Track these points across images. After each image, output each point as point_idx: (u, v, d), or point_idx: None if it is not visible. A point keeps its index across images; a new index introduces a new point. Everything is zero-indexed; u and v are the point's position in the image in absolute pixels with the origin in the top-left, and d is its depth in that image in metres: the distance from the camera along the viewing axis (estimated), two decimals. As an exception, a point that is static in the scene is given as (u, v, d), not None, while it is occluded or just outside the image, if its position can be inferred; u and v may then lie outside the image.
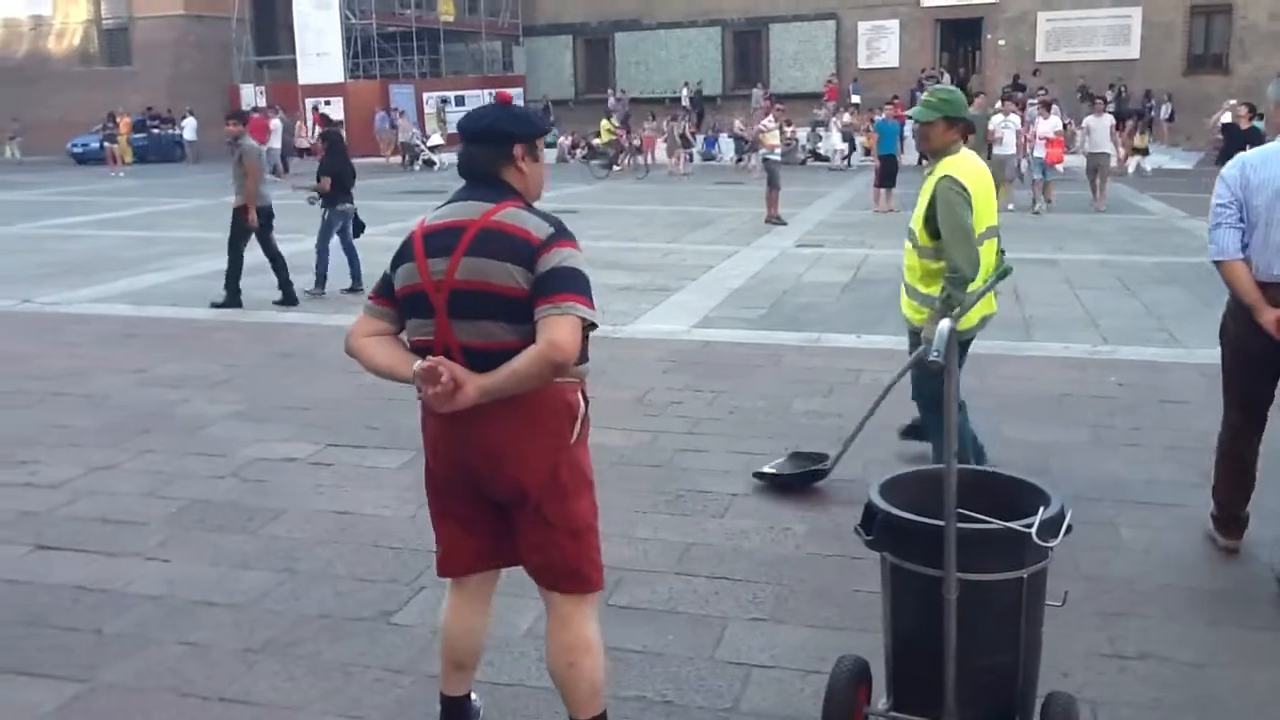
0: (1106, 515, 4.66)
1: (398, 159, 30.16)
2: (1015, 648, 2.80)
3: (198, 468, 5.38)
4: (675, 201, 19.31)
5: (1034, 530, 2.71)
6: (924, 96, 4.89)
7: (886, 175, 17.51)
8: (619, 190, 21.64)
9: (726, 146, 30.71)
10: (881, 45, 37.43)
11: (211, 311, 9.53)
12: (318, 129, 13.08)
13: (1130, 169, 21.84)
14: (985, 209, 4.73)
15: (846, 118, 28.39)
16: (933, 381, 4.66)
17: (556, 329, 2.54)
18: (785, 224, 15.73)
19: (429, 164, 28.93)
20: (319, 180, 10.83)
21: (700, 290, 10.52)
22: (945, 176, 4.60)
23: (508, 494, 2.73)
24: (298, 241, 12.27)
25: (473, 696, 3.11)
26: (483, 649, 3.06)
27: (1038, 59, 35.01)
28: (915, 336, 4.99)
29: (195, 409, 6.45)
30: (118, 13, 39.14)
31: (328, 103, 34.11)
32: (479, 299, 2.60)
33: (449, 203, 2.75)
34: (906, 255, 4.91)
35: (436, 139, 31.51)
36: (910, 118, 5.36)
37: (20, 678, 3.42)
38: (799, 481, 5.04)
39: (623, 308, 9.23)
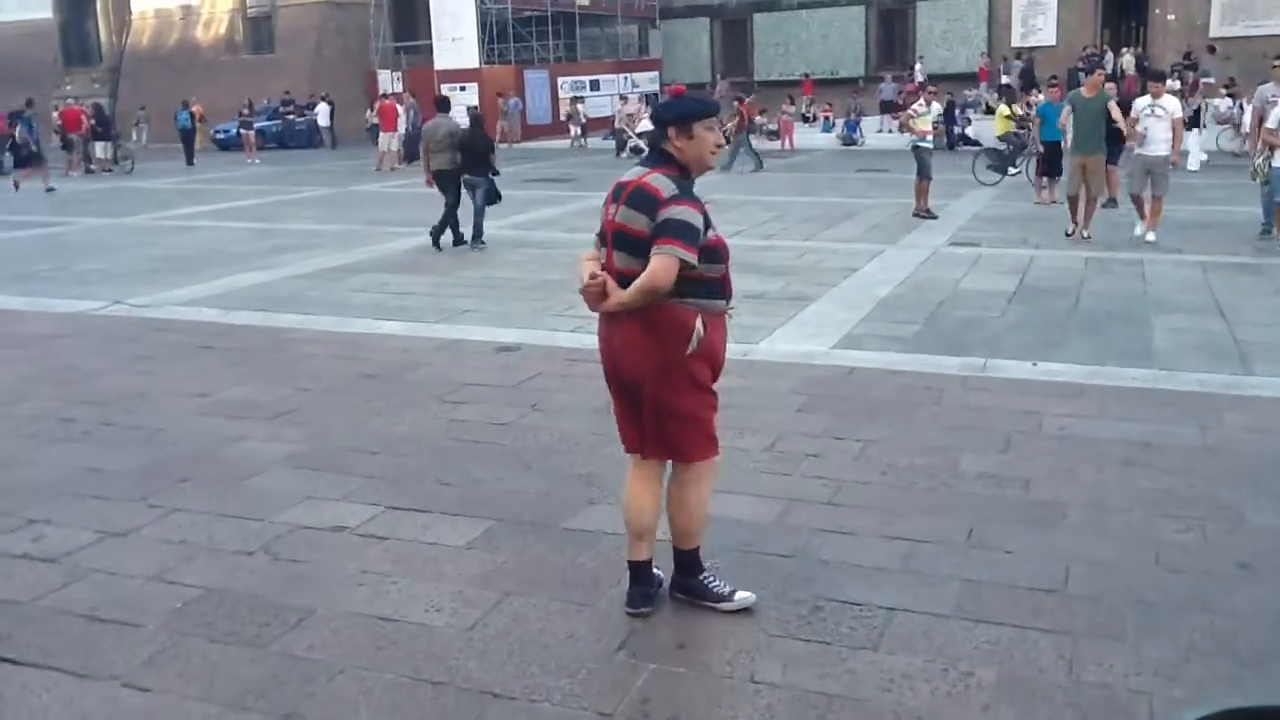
0: None
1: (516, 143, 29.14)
2: None
3: (227, 537, 4.43)
4: (812, 191, 17.96)
5: None
6: None
7: (1050, 163, 15.77)
8: (749, 180, 20.36)
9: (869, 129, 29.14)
10: (1038, 22, 35.14)
11: (297, 320, 8.70)
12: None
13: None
14: None
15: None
16: None
17: (658, 263, 3.37)
18: (936, 218, 14.24)
19: (636, 150, 26.37)
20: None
21: (842, 299, 9.25)
22: None
23: (631, 380, 3.59)
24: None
25: (655, 569, 3.80)
26: (655, 522, 3.72)
27: (1212, 34, 32.20)
28: None
29: (248, 449, 5.55)
30: (261, 1, 39.54)
31: (463, 88, 33.77)
32: (626, 238, 3.47)
33: (636, 166, 3.60)
34: None
35: (646, 124, 29.12)
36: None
37: None
38: None
39: (753, 321, 8.04)
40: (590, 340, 7.82)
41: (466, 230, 12.71)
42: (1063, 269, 10.47)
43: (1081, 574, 3.98)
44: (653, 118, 3.68)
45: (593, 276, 3.50)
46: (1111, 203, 13.84)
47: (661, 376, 3.50)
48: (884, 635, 3.55)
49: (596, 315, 3.67)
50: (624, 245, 3.47)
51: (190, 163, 28.07)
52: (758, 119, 28.00)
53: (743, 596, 3.73)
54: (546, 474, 5.07)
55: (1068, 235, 12.17)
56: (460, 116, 15.10)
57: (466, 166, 12.58)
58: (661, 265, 3.35)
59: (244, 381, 6.85)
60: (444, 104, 13.79)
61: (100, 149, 26.90)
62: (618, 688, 3.25)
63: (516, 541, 4.31)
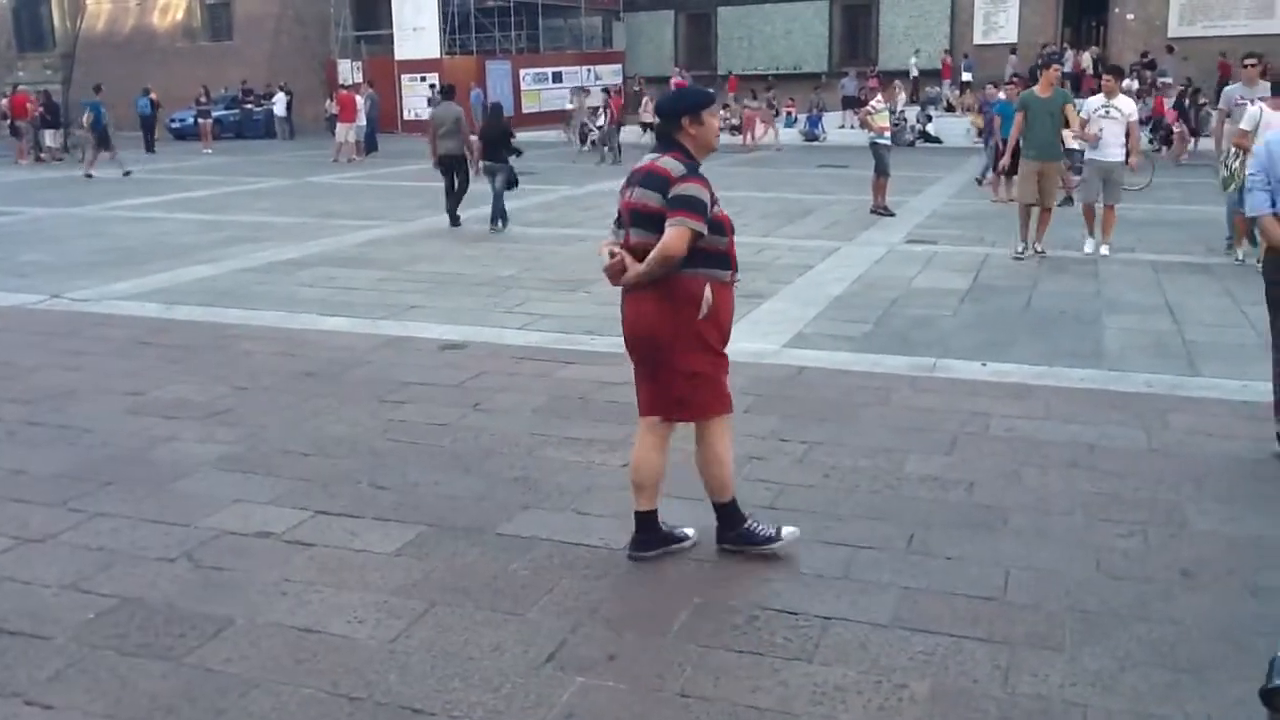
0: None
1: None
2: None
3: (150, 542, 4.28)
4: (772, 187, 17.90)
5: None
6: None
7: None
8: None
9: (830, 125, 29.20)
10: (999, 20, 35.36)
11: (241, 315, 8.52)
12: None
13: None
14: None
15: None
16: None
17: (670, 234, 3.75)
18: (893, 215, 14.24)
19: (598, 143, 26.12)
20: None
21: (795, 297, 9.19)
22: None
23: (649, 348, 3.93)
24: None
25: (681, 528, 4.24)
26: (659, 478, 4.09)
27: (1170, 34, 32.52)
28: None
29: (179, 450, 5.39)
30: (219, -14, 39.07)
31: (424, 78, 33.47)
32: (640, 215, 3.87)
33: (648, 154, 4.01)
34: None
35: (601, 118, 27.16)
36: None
37: None
38: None
39: (705, 319, 7.96)
40: (537, 337, 7.78)
41: (462, 212, 13.62)
42: (1016, 268, 10.47)
43: (1021, 581, 3.92)
44: (662, 110, 3.99)
45: (612, 255, 3.86)
46: (1068, 201, 13.83)
47: (677, 341, 3.86)
48: (819, 646, 3.47)
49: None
50: (639, 222, 3.85)
51: (151, 150, 27.75)
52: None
53: (789, 531, 4.14)
54: (484, 477, 4.95)
55: (1018, 255, 10.90)
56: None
57: (487, 153, 13.30)
58: (675, 235, 3.74)
59: (180, 379, 6.68)
60: (450, 91, 14.70)
61: (50, 137, 26.43)
62: (542, 702, 3.15)
63: (447, 548, 4.19)
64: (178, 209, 16.04)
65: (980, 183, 17.64)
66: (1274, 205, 5.11)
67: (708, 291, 3.85)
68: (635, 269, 3.81)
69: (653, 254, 3.77)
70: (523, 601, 3.76)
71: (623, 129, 24.78)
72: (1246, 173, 5.45)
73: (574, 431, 5.61)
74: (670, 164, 3.85)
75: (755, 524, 4.15)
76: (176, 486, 4.89)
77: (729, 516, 4.13)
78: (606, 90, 26.39)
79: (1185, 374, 6.74)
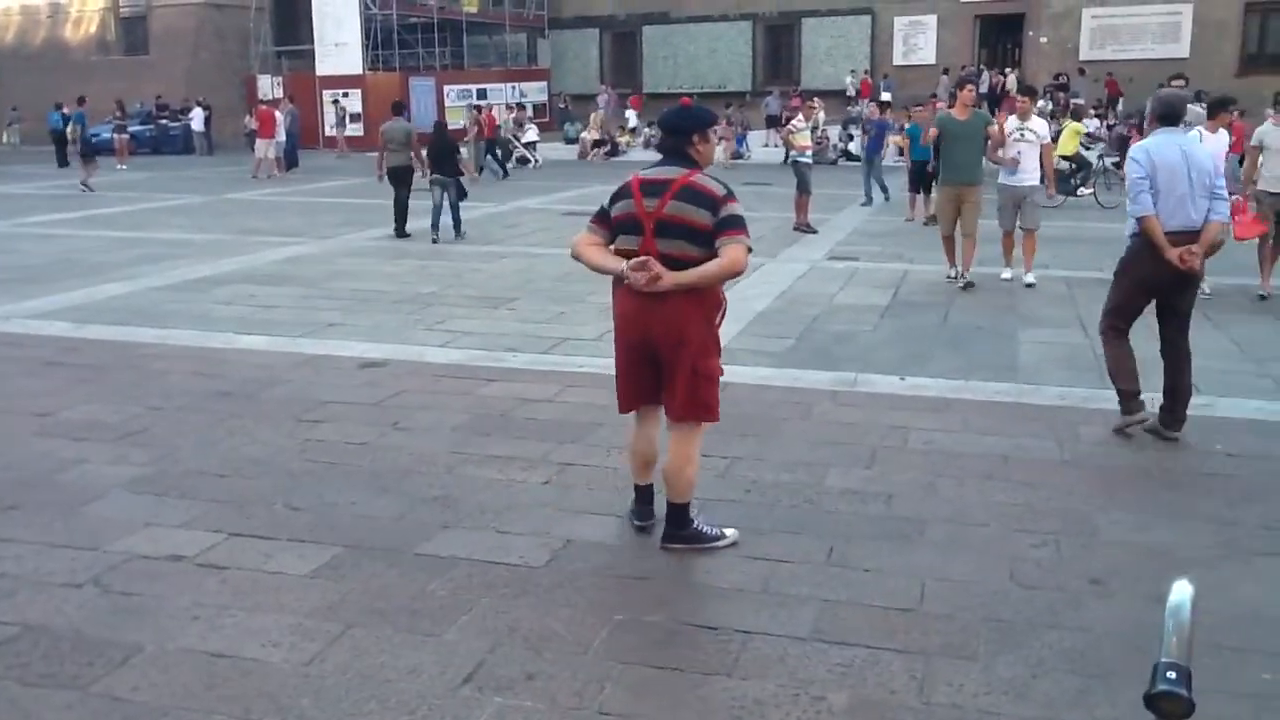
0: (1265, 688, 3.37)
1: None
2: None
3: (56, 569, 4.16)
4: (698, 205, 17.99)
5: None
6: None
7: (920, 180, 16.04)
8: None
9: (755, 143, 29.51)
10: (919, 41, 36.06)
11: (155, 334, 8.32)
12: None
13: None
14: None
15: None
16: None
17: (736, 251, 4.00)
18: (815, 232, 14.43)
19: (523, 161, 26.47)
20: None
21: (720, 313, 9.23)
22: None
23: (673, 348, 4.11)
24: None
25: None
26: (657, 454, 4.42)
27: (1081, 57, 33.43)
28: None
29: (89, 473, 5.24)
30: (135, 0, 38.22)
31: (345, 94, 33.11)
32: (678, 227, 4.03)
33: (655, 167, 4.20)
34: None
35: (533, 134, 27.91)
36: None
37: None
38: None
39: (629, 336, 7.97)
40: (458, 355, 7.72)
41: (417, 223, 14.27)
42: (935, 284, 10.65)
43: (937, 591, 3.98)
44: (674, 127, 4.22)
45: (644, 264, 3.98)
46: (933, 219, 13.83)
47: (705, 344, 4.16)
48: (739, 660, 3.48)
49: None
50: (675, 234, 4.02)
51: (64, 165, 27.07)
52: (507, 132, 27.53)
53: (731, 532, 4.42)
54: (402, 496, 4.89)
55: (949, 279, 10.63)
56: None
57: (436, 168, 14.07)
58: (740, 252, 4.01)
59: (91, 400, 6.50)
60: (399, 107, 15.41)
61: (-46, 152, 25.64)
62: (460, 723, 3.12)
63: (364, 569, 4.13)
64: (91, 226, 15.65)
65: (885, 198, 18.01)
66: (1155, 206, 5.61)
67: (725, 298, 4.24)
68: (679, 277, 3.97)
69: (717, 267, 3.98)
70: (441, 622, 3.72)
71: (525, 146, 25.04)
72: (1130, 177, 5.75)
73: (495, 449, 5.58)
74: (711, 183, 4.07)
75: (702, 525, 4.38)
76: (85, 510, 4.75)
77: (682, 518, 4.34)
78: (477, 107, 26.38)
79: (1097, 386, 6.90)
